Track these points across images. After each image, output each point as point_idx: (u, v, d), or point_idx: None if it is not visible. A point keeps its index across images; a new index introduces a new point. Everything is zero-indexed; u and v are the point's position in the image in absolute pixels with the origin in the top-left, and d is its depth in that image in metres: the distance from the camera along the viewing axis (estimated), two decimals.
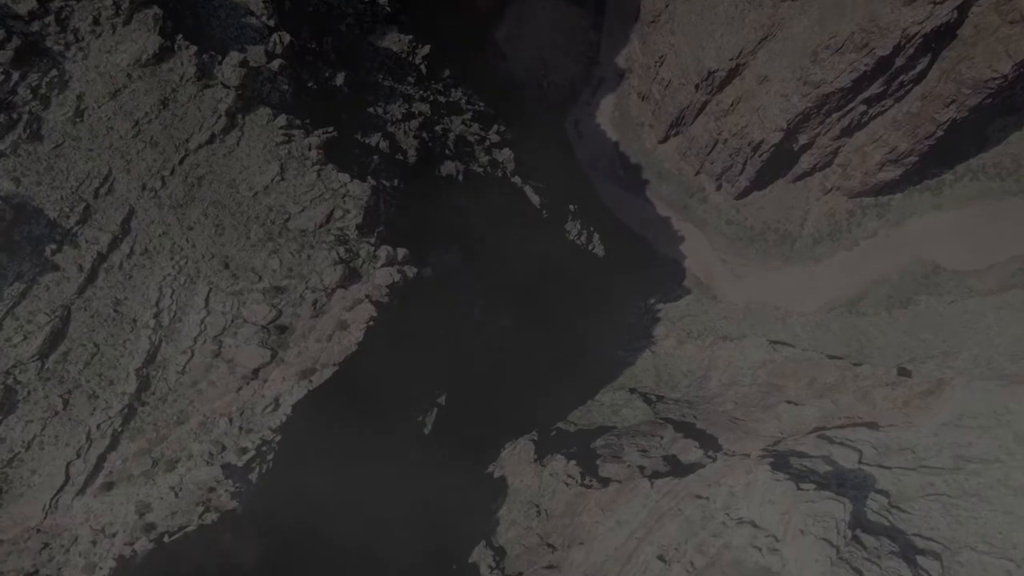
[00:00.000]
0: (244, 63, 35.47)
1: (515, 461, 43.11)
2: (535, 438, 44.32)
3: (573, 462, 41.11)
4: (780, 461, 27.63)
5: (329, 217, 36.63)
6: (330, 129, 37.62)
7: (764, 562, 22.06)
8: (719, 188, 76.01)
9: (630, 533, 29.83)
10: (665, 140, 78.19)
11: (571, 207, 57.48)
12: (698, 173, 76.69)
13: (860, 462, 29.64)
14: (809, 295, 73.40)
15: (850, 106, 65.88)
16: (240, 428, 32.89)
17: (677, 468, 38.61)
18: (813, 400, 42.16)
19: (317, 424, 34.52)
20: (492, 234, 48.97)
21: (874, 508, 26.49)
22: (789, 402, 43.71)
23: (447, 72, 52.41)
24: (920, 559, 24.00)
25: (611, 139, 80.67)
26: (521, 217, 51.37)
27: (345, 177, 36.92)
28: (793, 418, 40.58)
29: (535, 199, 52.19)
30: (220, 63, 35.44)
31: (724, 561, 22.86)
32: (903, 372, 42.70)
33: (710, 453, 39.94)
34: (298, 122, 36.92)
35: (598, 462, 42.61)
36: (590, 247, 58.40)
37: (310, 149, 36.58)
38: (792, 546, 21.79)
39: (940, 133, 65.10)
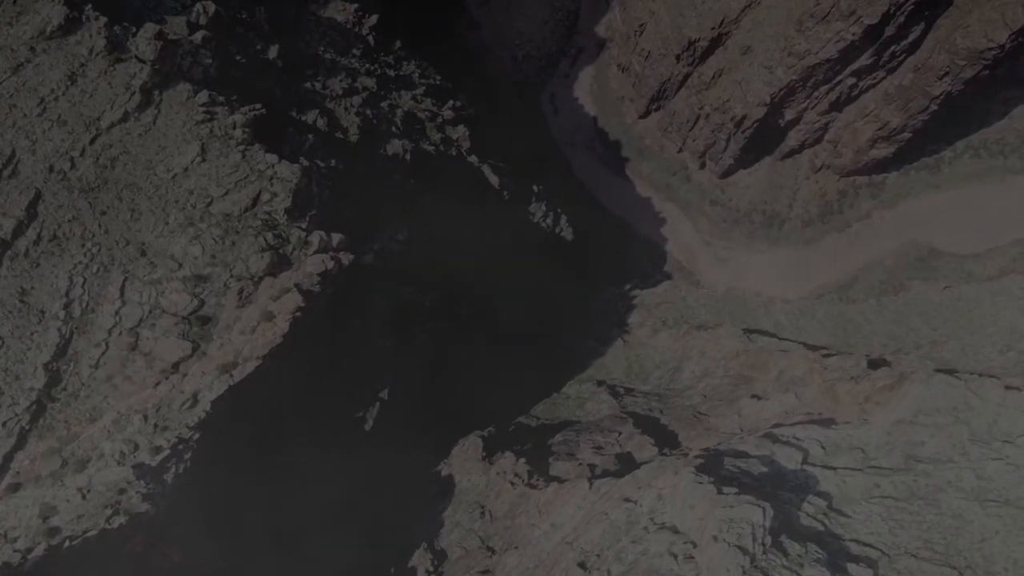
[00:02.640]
0: (160, 35, 35.05)
1: (463, 459, 43.19)
2: (485, 434, 44.38)
3: (523, 460, 41.14)
4: (712, 462, 27.61)
5: (255, 201, 36.39)
6: (257, 106, 37.29)
7: (678, 570, 22.09)
8: (703, 166, 75.63)
9: (562, 538, 29.91)
10: (646, 115, 77.70)
11: (535, 187, 57.19)
12: (680, 150, 76.27)
13: (804, 462, 29.61)
14: (797, 280, 73.16)
15: (838, 79, 65.34)
16: (155, 426, 32.90)
17: (629, 467, 38.62)
18: (778, 394, 42.15)
19: (240, 421, 34.61)
20: (445, 217, 48.73)
21: (810, 512, 26.49)
22: (755, 396, 43.71)
23: (399, 44, 51.90)
24: (851, 567, 24.01)
25: (589, 114, 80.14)
26: (478, 199, 51.11)
27: (273, 158, 36.64)
28: (754, 414, 40.59)
29: (494, 179, 51.90)
30: (134, 35, 35.04)
31: (640, 569, 22.90)
32: (874, 364, 42.67)
33: (665, 451, 40.02)
34: (222, 99, 36.58)
35: (551, 460, 42.68)
36: (557, 230, 58.17)
37: (234, 128, 36.27)
38: (706, 553, 21.82)
39: (934, 107, 64.56)
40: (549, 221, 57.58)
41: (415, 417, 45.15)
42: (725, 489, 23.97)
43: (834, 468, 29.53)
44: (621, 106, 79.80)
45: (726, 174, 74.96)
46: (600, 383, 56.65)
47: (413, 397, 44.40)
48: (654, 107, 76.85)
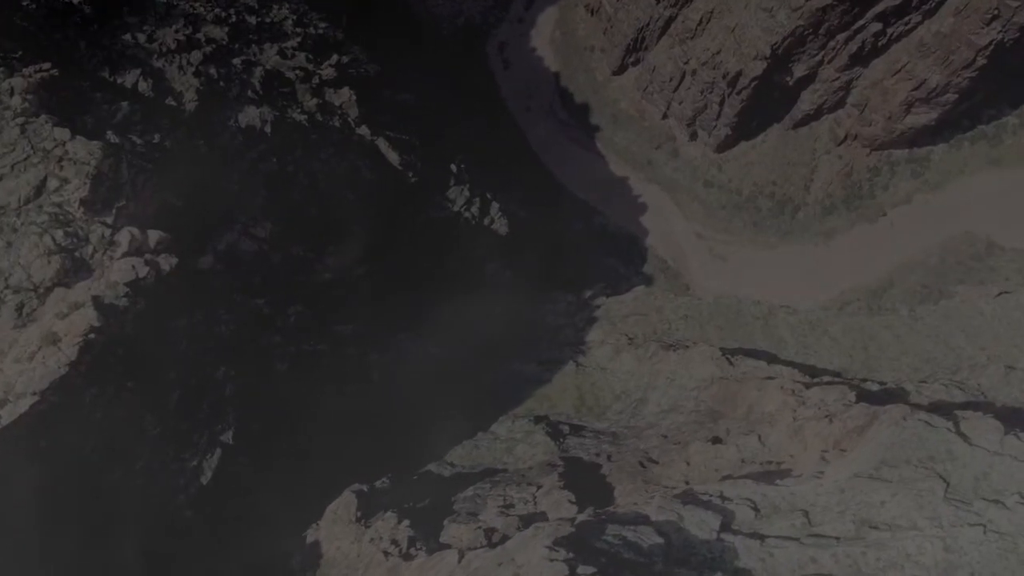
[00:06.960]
0: None
1: (332, 521, 42.93)
2: (365, 489, 44.07)
3: (406, 522, 40.89)
4: (589, 530, 27.23)
5: (40, 189, 36.32)
6: (46, 66, 37.14)
7: None
8: (693, 137, 75.70)
9: None
10: (621, 71, 77.82)
11: (454, 167, 57.01)
12: (665, 116, 76.39)
13: (723, 529, 29.26)
14: (815, 284, 73.12)
15: (859, 24, 65.36)
16: None
17: None
18: (740, 436, 41.88)
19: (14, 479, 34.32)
20: (325, 207, 48.58)
21: None
22: (714, 439, 43.46)
23: None
24: None
25: (550, 69, 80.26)
26: (372, 182, 50.88)
27: (64, 133, 36.55)
28: (704, 462, 40.29)
29: (393, 156, 51.66)
30: None
31: None
32: (864, 396, 42.32)
33: (589, 511, 39.70)
34: None
35: (446, 521, 42.44)
36: (486, 221, 57.98)
37: (12, 95, 36.19)
38: None
39: (982, 61, 64.58)
40: (475, 210, 57.35)
41: (276, 468, 44.93)
42: (581, 569, 23.64)
43: (762, 537, 29.16)
44: (590, 59, 79.84)
45: (723, 147, 75.06)
46: (539, 419, 56.36)
47: (271, 442, 44.14)
48: (631, 60, 76.95)
